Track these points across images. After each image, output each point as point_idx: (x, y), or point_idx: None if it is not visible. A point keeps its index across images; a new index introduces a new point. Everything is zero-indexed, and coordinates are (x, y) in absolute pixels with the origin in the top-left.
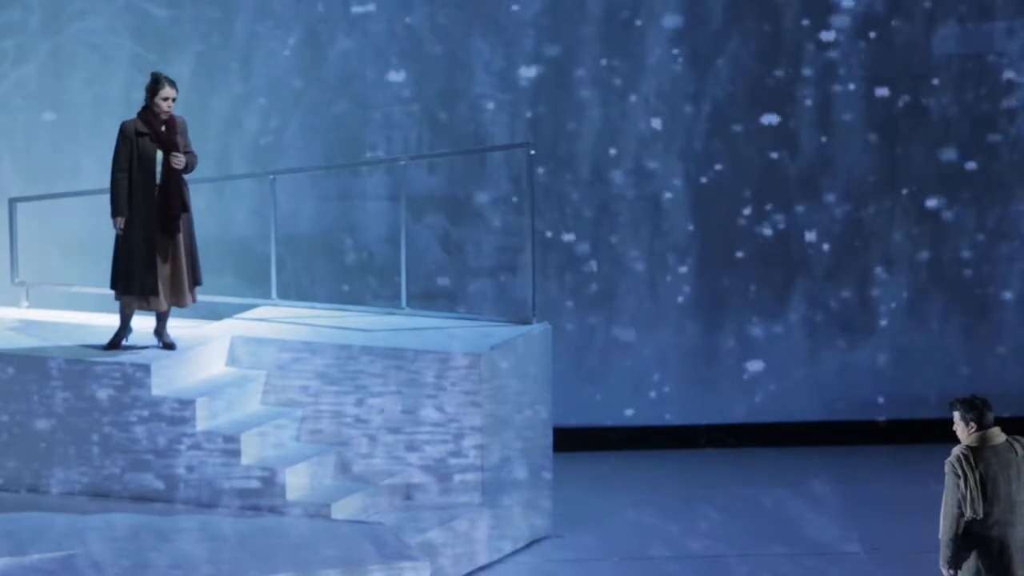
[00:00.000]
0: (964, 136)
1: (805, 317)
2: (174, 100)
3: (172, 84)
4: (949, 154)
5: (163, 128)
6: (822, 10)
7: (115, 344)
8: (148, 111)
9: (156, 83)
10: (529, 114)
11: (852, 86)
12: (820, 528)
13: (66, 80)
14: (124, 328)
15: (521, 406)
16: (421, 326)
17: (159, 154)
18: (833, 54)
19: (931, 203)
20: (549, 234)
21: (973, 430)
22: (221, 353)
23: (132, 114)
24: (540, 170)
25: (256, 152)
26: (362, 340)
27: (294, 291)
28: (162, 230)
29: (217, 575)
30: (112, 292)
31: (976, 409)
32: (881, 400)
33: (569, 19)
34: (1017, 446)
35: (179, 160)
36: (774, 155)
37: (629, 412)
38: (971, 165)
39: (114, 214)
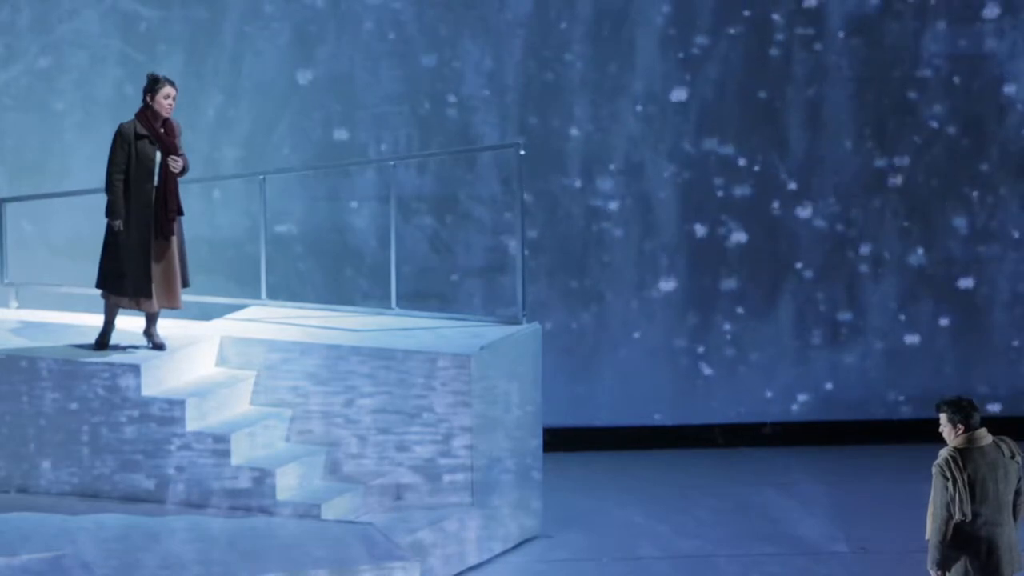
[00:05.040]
0: (953, 136)
1: (794, 317)
2: (174, 98)
3: (171, 83)
4: (938, 153)
5: (162, 130)
6: (812, 9)
7: (103, 344)
8: (146, 112)
9: (156, 82)
10: (518, 114)
11: (842, 86)
12: (809, 528)
13: (55, 80)
14: (109, 327)
15: (511, 406)
16: (411, 326)
17: (157, 156)
18: (823, 54)
19: (920, 202)
20: (538, 234)
21: (960, 432)
22: (211, 353)
23: (121, 114)
24: (529, 170)
25: (245, 152)
26: (352, 340)
27: (284, 291)
28: (157, 232)
29: (207, 575)
30: (98, 290)
31: (963, 411)
32: (870, 400)
33: (558, 19)
34: (1003, 447)
35: (177, 164)
36: (764, 154)
37: (619, 412)
38: (960, 164)
39: (112, 216)
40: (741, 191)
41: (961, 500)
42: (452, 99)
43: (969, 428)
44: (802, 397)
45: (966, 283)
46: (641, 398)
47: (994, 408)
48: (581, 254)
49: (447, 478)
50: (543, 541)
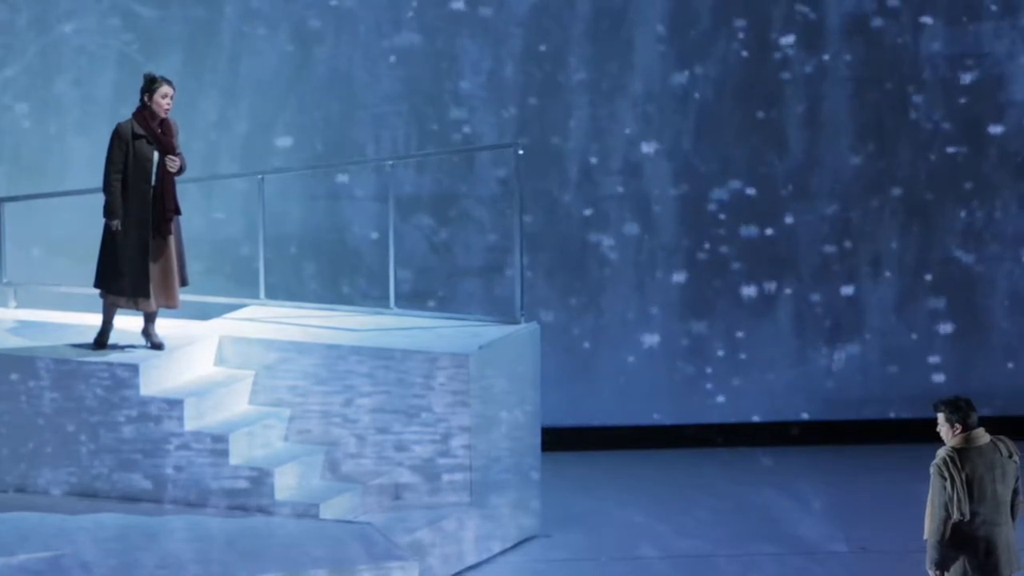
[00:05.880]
0: (952, 136)
1: (793, 317)
2: (172, 98)
3: (169, 82)
4: (937, 154)
5: (159, 130)
6: (810, 10)
7: (101, 343)
8: (144, 112)
9: (153, 82)
10: (517, 114)
11: (840, 86)
12: (808, 527)
13: (54, 80)
14: (108, 326)
15: (509, 406)
16: (409, 326)
17: (155, 156)
18: (821, 54)
19: (919, 203)
20: (537, 233)
21: (958, 431)
22: (209, 353)
23: (119, 114)
24: (527, 169)
25: (244, 152)
26: (351, 340)
27: (282, 291)
28: (155, 232)
29: (205, 575)
30: (96, 290)
31: (960, 411)
32: (869, 400)
33: (557, 19)
34: (1001, 446)
35: (174, 164)
36: (762, 155)
37: (617, 412)
38: (958, 165)
39: (109, 216)
40: (740, 191)
41: (959, 500)
42: (451, 98)
43: (966, 428)
44: (801, 397)
45: (965, 283)
46: (640, 398)
47: (992, 408)
48: (580, 253)
49: (446, 478)
50: (542, 541)
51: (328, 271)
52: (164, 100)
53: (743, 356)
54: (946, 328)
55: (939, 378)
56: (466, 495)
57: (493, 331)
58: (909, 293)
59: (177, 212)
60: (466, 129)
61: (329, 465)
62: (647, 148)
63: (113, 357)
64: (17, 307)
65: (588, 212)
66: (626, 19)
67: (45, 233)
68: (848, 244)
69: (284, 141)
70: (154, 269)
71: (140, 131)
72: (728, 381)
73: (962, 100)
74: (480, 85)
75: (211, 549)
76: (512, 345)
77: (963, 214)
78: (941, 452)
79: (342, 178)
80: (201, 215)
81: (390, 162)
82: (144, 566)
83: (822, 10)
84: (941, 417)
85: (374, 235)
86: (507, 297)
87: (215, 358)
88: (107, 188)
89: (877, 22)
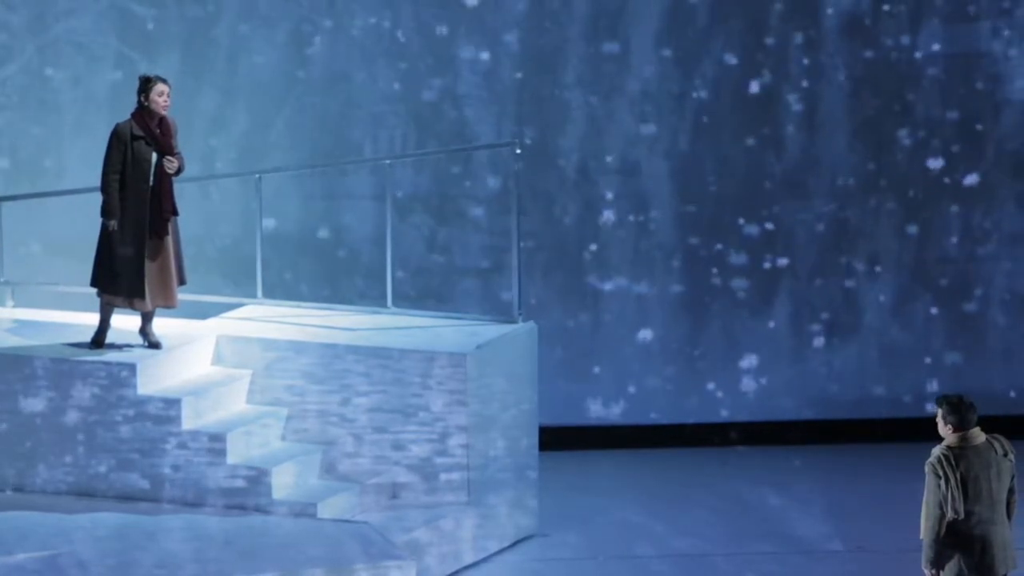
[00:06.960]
0: (948, 136)
1: (790, 316)
2: (169, 95)
3: (164, 80)
4: (933, 154)
5: (158, 130)
6: (807, 10)
7: (99, 343)
8: (142, 112)
9: (148, 82)
10: (515, 113)
11: (837, 86)
12: (805, 527)
13: (51, 79)
14: (105, 325)
15: (507, 405)
16: (407, 325)
17: (153, 157)
18: (818, 53)
19: (916, 203)
20: (535, 233)
21: (950, 431)
22: (207, 352)
23: (118, 114)
24: (525, 169)
25: (241, 151)
26: (348, 339)
27: (280, 290)
28: (152, 232)
29: (203, 574)
30: (93, 289)
31: (958, 412)
32: (866, 399)
33: (555, 19)
34: (997, 445)
35: (172, 165)
36: (760, 155)
37: (615, 411)
38: (955, 165)
39: (107, 216)
40: (737, 190)
41: (954, 498)
42: (448, 98)
43: (960, 428)
44: (799, 396)
45: (962, 283)
46: (637, 397)
47: (989, 407)
48: (577, 253)
49: (443, 477)
50: (539, 540)
51: (325, 270)
52: (161, 98)
53: (741, 355)
54: (943, 326)
55: (936, 377)
56: (463, 494)
57: (491, 330)
58: (907, 292)
59: (174, 212)
60: (464, 129)
61: (326, 464)
62: (645, 146)
63: (110, 356)
64: (14, 306)
65: (586, 211)
66: (623, 17)
67: (43, 232)
68: (845, 243)
69: (282, 140)
70: (151, 269)
71: (139, 132)
72: (726, 380)
73: (959, 100)
74: (477, 84)
75: (209, 548)
76: (510, 344)
77: (961, 213)
78: (936, 451)
79: (340, 177)
80: (198, 214)
81: (388, 161)
82: (142, 565)
83: (819, 9)
84: (939, 413)
85: (371, 234)
86: (505, 296)
87: (213, 357)
88: (105, 188)
89: (874, 20)
